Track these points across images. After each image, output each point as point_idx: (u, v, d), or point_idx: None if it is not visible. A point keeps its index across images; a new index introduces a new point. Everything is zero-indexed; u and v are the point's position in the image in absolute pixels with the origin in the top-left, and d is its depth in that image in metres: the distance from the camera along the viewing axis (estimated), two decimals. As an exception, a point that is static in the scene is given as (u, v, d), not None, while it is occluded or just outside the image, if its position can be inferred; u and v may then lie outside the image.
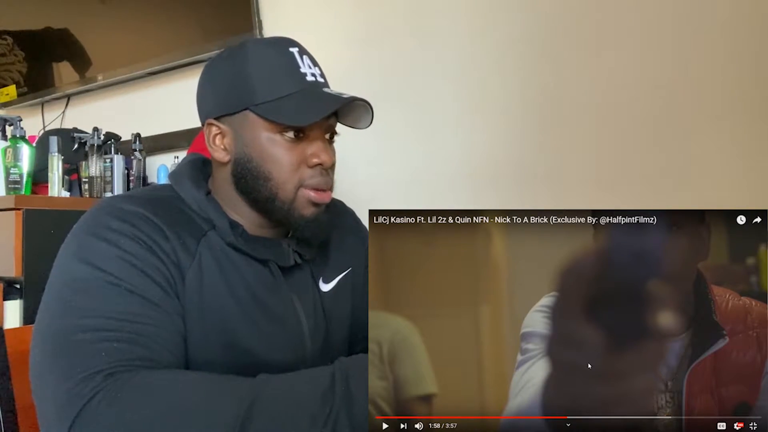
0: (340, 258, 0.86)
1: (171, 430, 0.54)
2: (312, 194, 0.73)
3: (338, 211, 0.93)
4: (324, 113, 0.69)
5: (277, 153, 0.72)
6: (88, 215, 0.68)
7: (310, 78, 0.73)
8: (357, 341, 0.87)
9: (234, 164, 0.74)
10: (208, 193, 0.76)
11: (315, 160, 0.72)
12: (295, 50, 0.74)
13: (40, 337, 0.62)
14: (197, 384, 0.58)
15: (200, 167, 0.79)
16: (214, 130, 0.75)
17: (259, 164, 0.72)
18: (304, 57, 0.74)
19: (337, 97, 0.71)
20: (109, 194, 1.82)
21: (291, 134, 0.71)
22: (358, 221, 0.96)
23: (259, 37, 1.71)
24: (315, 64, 0.75)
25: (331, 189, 0.76)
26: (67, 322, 0.60)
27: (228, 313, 0.70)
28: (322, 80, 0.75)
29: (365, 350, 0.56)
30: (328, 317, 0.81)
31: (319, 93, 0.72)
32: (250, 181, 0.73)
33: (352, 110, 0.76)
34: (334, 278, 0.84)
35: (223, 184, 0.76)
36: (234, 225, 0.74)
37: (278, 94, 0.71)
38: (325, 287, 0.82)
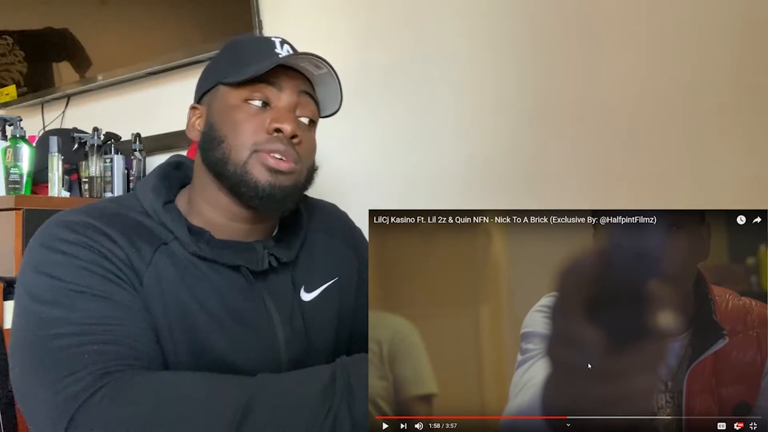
0: (327, 266, 0.83)
1: (171, 427, 0.54)
2: (266, 157, 0.70)
3: (329, 216, 0.90)
4: (268, 66, 0.70)
5: (237, 117, 0.72)
6: (41, 230, 0.69)
7: (283, 54, 0.74)
8: (344, 344, 0.85)
9: (201, 138, 0.75)
10: (168, 202, 0.74)
11: (275, 125, 0.71)
12: (277, 40, 0.76)
13: (18, 353, 0.62)
14: (196, 382, 0.58)
15: (170, 173, 0.78)
16: (196, 112, 0.77)
17: (217, 129, 0.73)
18: (285, 45, 0.76)
19: (286, 56, 0.72)
20: (109, 194, 1.82)
21: (257, 102, 0.72)
22: (351, 226, 0.92)
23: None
24: (295, 50, 0.76)
25: (294, 162, 0.72)
26: (42, 333, 0.60)
27: (194, 321, 0.68)
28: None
29: (365, 350, 0.56)
30: (307, 327, 0.78)
31: (277, 56, 0.73)
32: (208, 149, 0.73)
33: (326, 89, 0.76)
34: (317, 287, 0.81)
35: (198, 171, 0.76)
36: (197, 232, 0.72)
37: (246, 66, 0.72)
38: (307, 296, 0.80)
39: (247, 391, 0.56)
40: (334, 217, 0.92)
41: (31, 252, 0.67)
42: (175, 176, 0.79)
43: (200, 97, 0.78)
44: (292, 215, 0.81)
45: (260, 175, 0.70)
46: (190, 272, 0.70)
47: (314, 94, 0.77)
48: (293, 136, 0.72)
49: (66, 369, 0.57)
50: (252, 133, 0.71)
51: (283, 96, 0.73)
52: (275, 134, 0.71)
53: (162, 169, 0.79)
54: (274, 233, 0.80)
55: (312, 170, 0.78)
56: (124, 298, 0.64)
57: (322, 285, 0.82)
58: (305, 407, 0.56)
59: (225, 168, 0.71)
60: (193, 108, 0.78)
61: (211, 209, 0.74)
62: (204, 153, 0.74)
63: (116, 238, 0.67)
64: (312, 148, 0.77)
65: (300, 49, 0.76)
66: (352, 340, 0.85)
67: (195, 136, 0.76)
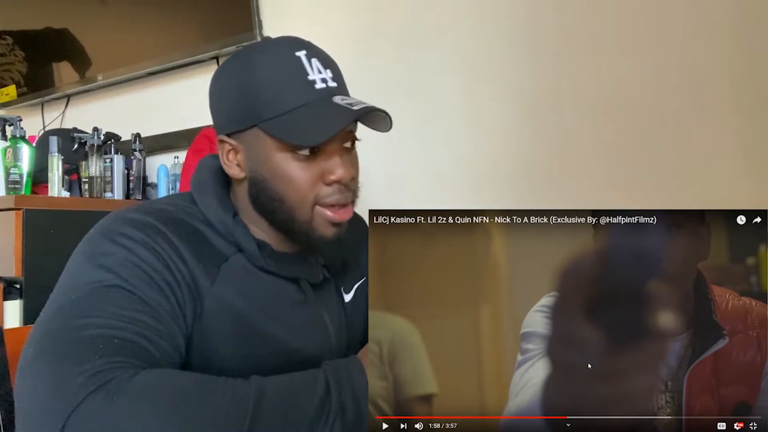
0: (357, 267, 0.85)
1: (171, 427, 0.53)
2: (329, 213, 0.69)
3: (352, 220, 0.92)
4: (331, 132, 0.65)
5: (290, 172, 0.67)
6: (105, 222, 0.67)
7: (319, 85, 0.68)
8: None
9: (249, 183, 0.71)
10: (236, 214, 0.72)
11: (332, 178, 0.68)
12: (302, 53, 0.69)
13: (39, 333, 0.60)
14: (201, 385, 0.57)
15: (224, 179, 0.75)
16: (227, 146, 0.71)
17: (272, 185, 0.69)
18: (313, 60, 0.69)
19: (346, 111, 0.66)
20: (109, 194, 1.82)
21: (305, 151, 0.67)
22: (366, 227, 0.94)
23: (260, 38, 1.71)
24: (327, 65, 0.70)
25: (352, 203, 0.72)
26: (73, 321, 0.59)
27: (260, 329, 0.69)
28: (334, 84, 0.69)
29: (356, 350, 0.56)
30: (349, 327, 0.80)
31: (328, 105, 0.67)
32: (265, 203, 0.70)
33: (371, 118, 0.71)
34: (352, 287, 0.83)
35: (243, 200, 0.73)
36: (261, 246, 0.71)
37: (286, 107, 0.66)
38: (347, 297, 0.82)
39: (252, 394, 0.56)
40: (355, 220, 0.93)
41: (90, 241, 0.65)
42: (226, 181, 0.76)
43: (228, 132, 0.71)
44: None
45: (326, 231, 0.70)
46: (251, 285, 0.69)
47: (388, 120, 0.72)
48: (351, 179, 0.70)
49: (78, 359, 0.55)
50: (310, 188, 0.68)
51: (332, 143, 0.68)
52: (333, 185, 0.69)
53: (217, 174, 0.75)
54: None
55: (357, 187, 0.75)
56: (166, 312, 0.62)
57: (355, 285, 0.83)
58: (306, 409, 0.57)
59: (291, 227, 0.70)
60: (222, 142, 0.71)
61: (262, 234, 0.74)
62: (257, 202, 0.71)
63: (183, 252, 0.65)
64: (358, 168, 0.74)
65: (308, 51, 0.70)
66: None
67: (236, 174, 0.72)
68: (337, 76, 0.71)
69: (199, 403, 0.54)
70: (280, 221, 0.70)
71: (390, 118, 0.70)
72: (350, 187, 0.71)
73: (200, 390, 0.56)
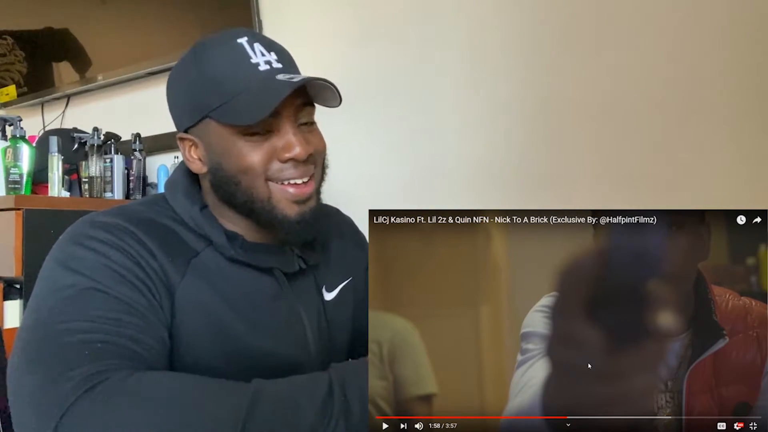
0: (342, 266, 0.85)
1: (167, 430, 0.52)
2: (289, 190, 0.69)
3: (337, 219, 0.91)
4: (270, 107, 0.64)
5: (243, 154, 0.68)
6: (75, 227, 0.68)
7: (263, 67, 0.68)
8: (357, 346, 0.86)
9: (210, 174, 0.72)
10: (204, 206, 0.73)
11: (286, 155, 0.68)
12: (243, 40, 0.69)
13: (23, 341, 0.60)
14: (195, 387, 0.56)
15: (195, 177, 0.77)
16: (187, 142, 0.73)
17: (228, 169, 0.69)
18: (256, 45, 0.69)
19: (286, 84, 0.65)
20: (109, 194, 1.82)
21: (257, 131, 0.67)
22: (356, 229, 0.94)
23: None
24: (271, 48, 0.70)
25: (312, 179, 0.71)
26: (53, 327, 0.59)
27: (229, 328, 0.68)
28: (279, 65, 0.69)
29: (366, 353, 0.56)
30: (330, 325, 0.80)
31: (270, 82, 0.67)
32: (225, 188, 0.70)
33: (320, 90, 0.70)
34: (336, 286, 0.83)
35: (209, 194, 0.74)
36: (232, 236, 0.71)
37: (232, 93, 0.67)
38: (328, 296, 0.81)
39: (247, 396, 0.55)
40: (341, 220, 0.93)
41: (60, 247, 0.66)
42: (196, 180, 0.77)
43: (184, 128, 0.73)
44: None
45: (288, 209, 0.70)
46: (222, 279, 0.70)
47: (311, 93, 0.71)
48: (308, 156, 0.69)
49: (64, 365, 0.55)
50: (263, 166, 0.68)
51: (283, 119, 0.68)
52: (288, 162, 0.69)
53: (188, 172, 0.76)
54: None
55: (324, 162, 0.75)
56: (143, 307, 0.63)
57: (339, 284, 0.83)
58: (304, 415, 0.56)
59: (251, 208, 0.70)
60: (181, 139, 0.73)
61: (233, 225, 0.74)
62: (219, 191, 0.71)
63: (152, 248, 0.66)
64: (322, 144, 0.73)
65: (250, 37, 0.70)
66: (354, 345, 0.87)
67: (198, 168, 0.73)
68: (284, 57, 0.71)
69: (192, 406, 0.54)
70: (241, 204, 0.70)
71: (336, 90, 0.69)
72: (309, 163, 0.70)
73: (194, 392, 0.55)
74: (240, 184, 0.69)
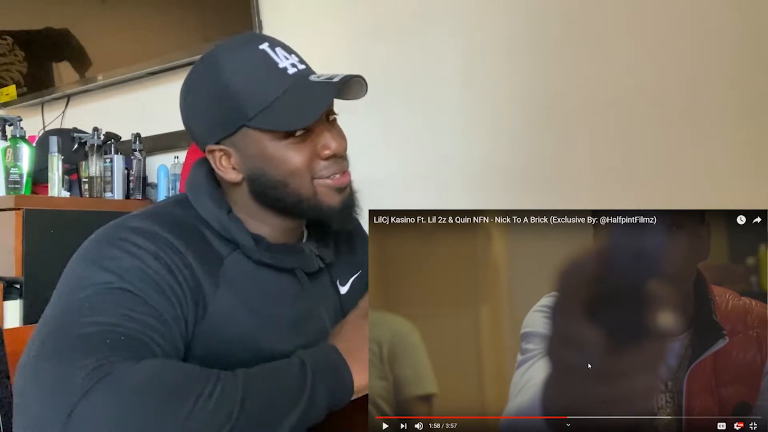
0: (352, 260, 0.86)
1: (172, 415, 0.54)
2: (329, 182, 0.72)
3: None
4: (321, 108, 0.67)
5: (287, 158, 0.69)
6: (109, 229, 0.68)
7: (291, 70, 0.70)
8: None
9: (249, 182, 0.72)
10: (230, 210, 0.73)
11: (327, 152, 0.71)
12: (265, 45, 0.70)
13: (43, 332, 0.60)
14: (195, 375, 0.58)
15: (216, 179, 0.77)
16: (218, 154, 0.72)
17: (273, 175, 0.70)
18: (277, 49, 0.70)
19: (327, 85, 0.68)
20: (109, 194, 1.82)
21: (299, 134, 0.69)
22: (358, 223, 0.95)
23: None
24: (290, 52, 0.72)
25: (347, 169, 0.74)
26: (78, 319, 0.59)
27: (255, 333, 0.70)
28: (303, 66, 0.71)
29: None
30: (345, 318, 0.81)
31: (308, 85, 0.69)
32: (270, 193, 0.71)
33: (347, 88, 0.72)
34: (348, 280, 0.84)
35: (242, 200, 0.74)
36: (257, 239, 0.72)
37: (268, 99, 0.67)
38: (342, 289, 0.83)
39: (239, 382, 0.58)
40: None
41: (92, 247, 0.66)
42: (218, 183, 0.77)
43: (216, 140, 0.71)
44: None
45: (332, 200, 0.72)
46: (249, 284, 0.71)
47: (364, 84, 0.73)
48: (344, 150, 0.73)
49: (82, 352, 0.56)
50: (308, 167, 0.70)
51: (319, 119, 0.70)
52: (328, 158, 0.71)
53: (206, 175, 0.76)
54: (305, 238, 0.82)
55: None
56: (171, 317, 0.63)
57: (351, 277, 0.85)
58: (287, 391, 0.59)
59: (301, 207, 0.72)
60: (212, 151, 0.72)
61: (257, 224, 0.75)
62: (263, 196, 0.72)
63: (187, 256, 0.66)
64: (346, 139, 0.76)
65: (270, 42, 0.72)
66: None
67: (233, 177, 0.72)
68: (301, 59, 0.73)
69: (195, 394, 0.55)
70: (290, 205, 0.72)
71: (365, 83, 0.72)
72: (345, 157, 0.74)
73: (196, 381, 0.57)
74: (288, 185, 0.70)
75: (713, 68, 1.18)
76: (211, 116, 0.71)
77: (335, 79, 0.68)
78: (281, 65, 0.69)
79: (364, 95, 0.74)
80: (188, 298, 0.65)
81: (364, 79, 0.71)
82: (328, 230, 0.82)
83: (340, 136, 0.73)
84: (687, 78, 1.20)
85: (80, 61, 2.22)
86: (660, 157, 1.23)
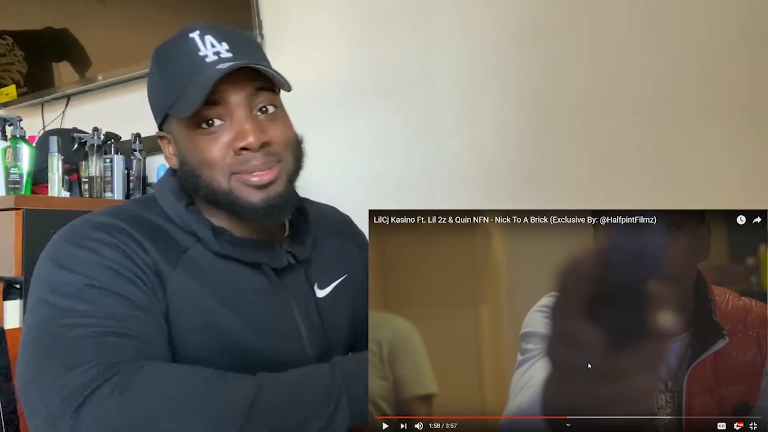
0: (337, 264, 0.84)
1: (177, 419, 0.55)
2: (248, 177, 0.68)
3: (334, 217, 0.92)
4: (201, 95, 0.64)
5: (200, 148, 0.68)
6: (66, 228, 0.69)
7: (211, 58, 0.68)
8: (358, 346, 0.86)
9: (179, 169, 0.74)
10: (191, 203, 0.74)
11: (238, 145, 0.67)
12: (195, 33, 0.70)
13: (30, 340, 0.62)
14: (203, 376, 0.59)
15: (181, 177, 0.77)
16: (164, 141, 0.76)
17: (190, 163, 0.70)
18: (207, 37, 0.69)
19: (216, 72, 0.65)
20: (109, 194, 1.82)
21: (212, 123, 0.67)
22: (355, 228, 0.94)
23: (260, 38, 1.71)
24: (223, 39, 0.70)
25: (275, 166, 0.69)
26: (58, 323, 0.61)
27: (221, 323, 0.69)
28: (228, 54, 0.69)
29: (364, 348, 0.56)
30: (324, 322, 0.79)
31: (210, 73, 0.66)
32: (189, 181, 0.72)
33: (267, 76, 0.69)
34: (330, 284, 0.82)
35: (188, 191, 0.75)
36: (219, 232, 0.72)
37: (182, 87, 0.67)
38: (321, 293, 0.81)
39: (252, 386, 0.57)
40: (339, 219, 0.93)
41: (54, 247, 0.68)
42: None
43: (160, 126, 0.75)
44: (300, 215, 0.82)
45: (251, 196, 0.69)
46: (212, 275, 0.70)
47: (265, 72, 0.69)
48: (262, 144, 0.68)
49: (77, 359, 0.58)
50: (221, 159, 0.68)
51: (234, 108, 0.68)
52: (243, 152, 0.68)
53: (172, 171, 0.78)
54: (286, 233, 0.81)
55: (298, 150, 0.74)
56: (141, 299, 0.65)
57: (333, 282, 0.83)
58: (307, 402, 0.58)
59: (214, 198, 0.70)
60: (160, 138, 0.76)
61: (218, 218, 0.75)
62: (187, 184, 0.73)
63: (144, 243, 0.67)
64: (287, 133, 0.72)
65: (202, 30, 0.71)
66: (354, 345, 0.87)
67: (174, 164, 0.75)
68: (238, 46, 0.70)
69: (200, 398, 0.56)
70: (205, 195, 0.71)
71: (275, 72, 0.68)
72: (270, 153, 0.69)
73: (200, 385, 0.57)
74: (201, 176, 0.70)
75: (713, 68, 1.18)
76: (152, 104, 0.75)
77: (225, 65, 0.66)
78: (202, 53, 0.69)
79: (288, 89, 0.70)
80: (151, 277, 0.66)
81: (269, 68, 0.68)
82: (309, 229, 0.81)
83: (262, 130, 0.68)
84: (686, 77, 1.20)
85: (80, 61, 2.22)
86: (660, 157, 1.23)
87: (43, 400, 0.57)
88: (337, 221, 0.92)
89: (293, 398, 0.58)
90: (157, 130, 0.77)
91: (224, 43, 0.70)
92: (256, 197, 0.69)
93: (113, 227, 0.67)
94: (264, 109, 0.70)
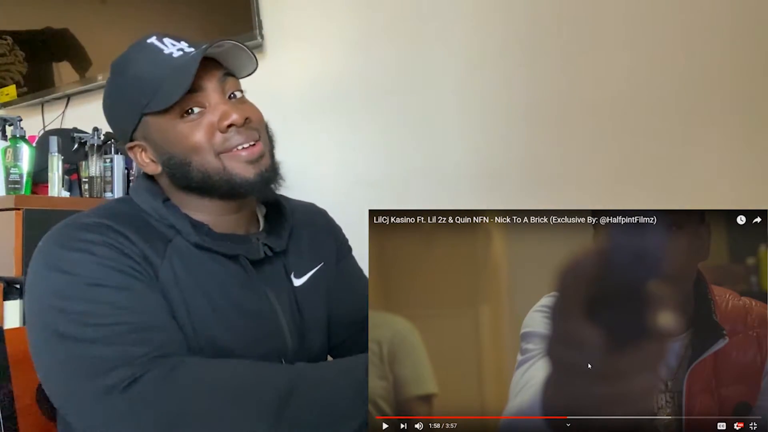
0: (313, 253, 0.87)
1: (214, 411, 0.57)
2: (241, 154, 0.72)
3: (310, 210, 0.95)
4: (188, 79, 0.68)
5: (185, 135, 0.71)
6: (54, 232, 0.70)
7: (177, 54, 0.73)
8: (333, 332, 0.88)
9: (165, 169, 0.75)
10: (167, 199, 0.76)
11: (225, 123, 0.71)
12: (152, 39, 0.74)
13: (45, 353, 0.64)
14: (240, 367, 0.62)
15: (152, 178, 0.80)
16: (137, 150, 0.76)
17: (178, 154, 0.72)
18: (165, 39, 0.74)
19: (195, 57, 0.69)
20: (109, 194, 1.82)
21: (191, 112, 0.71)
22: (329, 220, 0.97)
23: (260, 38, 1.71)
24: (179, 40, 0.75)
25: (260, 140, 0.74)
26: (73, 328, 0.62)
27: (202, 314, 0.71)
28: (191, 49, 0.74)
29: (365, 350, 0.56)
30: (301, 310, 0.82)
31: (185, 61, 0.71)
32: (181, 174, 0.73)
33: (235, 59, 0.74)
34: (306, 273, 0.85)
35: (170, 191, 0.77)
36: (197, 225, 0.74)
37: (155, 85, 0.71)
38: (297, 281, 0.83)
39: (288, 377, 0.60)
40: (314, 212, 0.96)
41: (44, 252, 0.69)
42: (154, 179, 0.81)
43: (130, 136, 0.76)
44: (276, 209, 0.85)
45: (245, 172, 0.72)
46: (194, 265, 0.72)
47: (227, 66, 0.75)
48: (245, 119, 0.72)
49: (110, 360, 0.60)
50: (207, 141, 0.71)
51: (210, 93, 0.72)
52: (229, 130, 0.72)
53: (143, 174, 0.80)
54: (262, 227, 0.83)
55: (269, 130, 0.78)
56: (143, 288, 0.67)
57: (310, 270, 0.85)
58: (344, 398, 0.59)
59: (209, 181, 0.73)
60: (130, 148, 0.77)
61: (197, 214, 0.76)
62: (176, 179, 0.75)
63: (130, 235, 0.69)
64: (259, 113, 0.77)
65: (158, 35, 0.75)
66: (330, 321, 0.89)
67: (153, 169, 0.76)
68: (193, 44, 0.75)
69: (231, 389, 0.59)
70: (199, 183, 0.73)
71: (249, 50, 0.73)
72: (251, 128, 0.73)
73: (233, 379, 0.60)
74: (191, 163, 0.72)
75: (714, 68, 1.18)
76: (117, 115, 0.76)
77: (200, 48, 0.71)
78: (167, 51, 0.73)
79: (254, 68, 0.75)
80: (144, 266, 0.68)
81: (242, 44, 0.72)
82: (284, 222, 0.83)
83: (242, 109, 0.73)
84: (687, 78, 1.20)
85: (80, 61, 2.22)
86: (660, 157, 1.23)
87: (85, 410, 0.60)
88: (312, 212, 0.94)
89: (329, 392, 0.60)
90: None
91: (182, 42, 0.75)
92: (250, 172, 0.72)
93: (100, 226, 0.69)
94: (233, 95, 0.75)
